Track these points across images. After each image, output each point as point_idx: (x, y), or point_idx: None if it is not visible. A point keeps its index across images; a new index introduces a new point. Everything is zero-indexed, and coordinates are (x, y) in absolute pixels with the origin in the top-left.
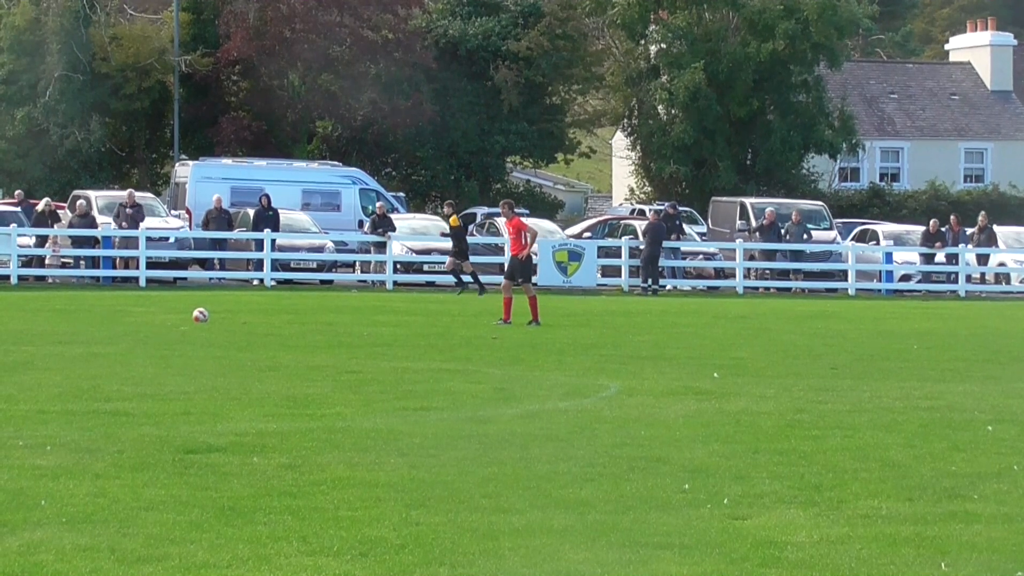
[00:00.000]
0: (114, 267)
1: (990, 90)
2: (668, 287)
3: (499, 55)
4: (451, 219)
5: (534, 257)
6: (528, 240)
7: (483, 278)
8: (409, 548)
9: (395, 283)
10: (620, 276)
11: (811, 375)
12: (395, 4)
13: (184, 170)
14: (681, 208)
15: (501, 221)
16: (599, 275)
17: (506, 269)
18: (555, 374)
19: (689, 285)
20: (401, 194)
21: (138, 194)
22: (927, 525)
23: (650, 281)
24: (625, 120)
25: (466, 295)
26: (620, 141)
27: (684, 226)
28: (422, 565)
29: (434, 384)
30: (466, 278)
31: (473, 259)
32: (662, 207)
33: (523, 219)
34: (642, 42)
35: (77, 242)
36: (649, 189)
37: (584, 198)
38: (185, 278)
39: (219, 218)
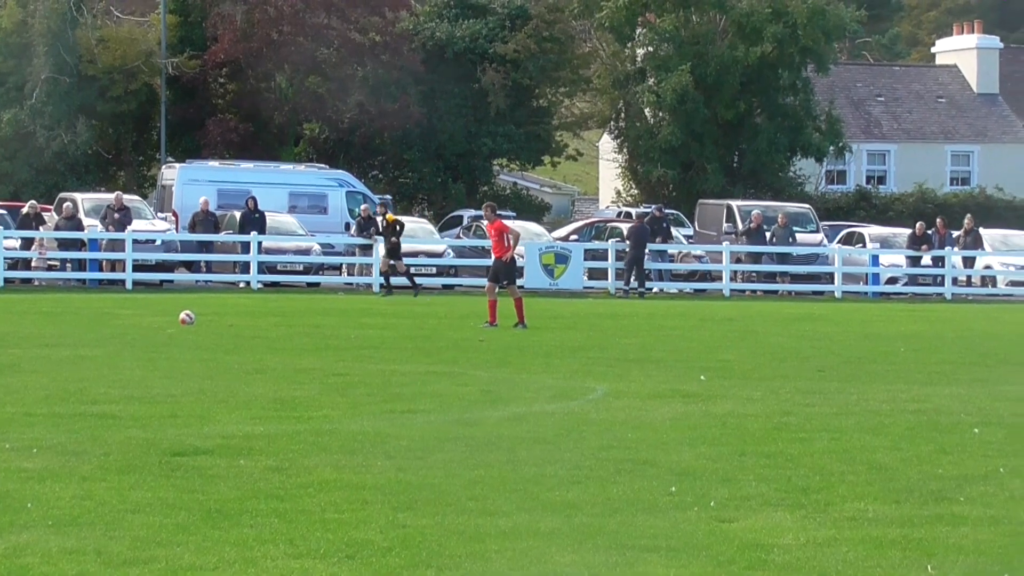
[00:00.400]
0: (100, 270)
1: (976, 93)
2: (655, 289)
3: (486, 57)
4: (386, 216)
5: (520, 259)
6: (511, 242)
7: (470, 280)
8: (396, 551)
9: (381, 285)
10: (607, 279)
11: (798, 378)
12: (383, 6)
13: (171, 172)
14: (668, 211)
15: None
16: (586, 278)
17: (490, 272)
18: (542, 377)
19: (676, 288)
20: (388, 197)
21: (125, 196)
22: (914, 527)
23: (635, 284)
24: (612, 123)
25: (395, 298)
26: (607, 144)
27: (671, 229)
28: (409, 568)
29: (421, 387)
30: (399, 280)
31: (460, 261)
32: (649, 209)
33: (505, 222)
34: (629, 45)
35: (63, 244)
36: (636, 192)
37: (571, 201)
38: (171, 281)
39: (205, 221)
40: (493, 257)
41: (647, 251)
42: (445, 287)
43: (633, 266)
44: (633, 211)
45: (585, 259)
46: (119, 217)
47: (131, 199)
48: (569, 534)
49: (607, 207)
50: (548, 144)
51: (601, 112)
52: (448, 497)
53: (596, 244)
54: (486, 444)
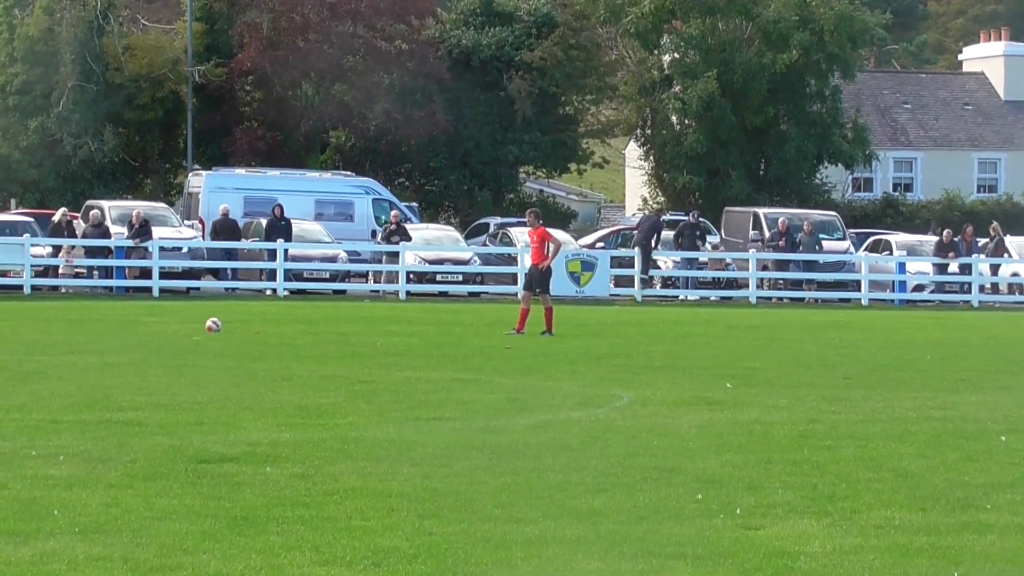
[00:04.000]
0: (126, 277)
1: (1003, 100)
2: (681, 296)
3: (512, 65)
4: None
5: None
6: (551, 251)
7: (497, 288)
8: (422, 558)
9: (408, 293)
10: (633, 286)
11: (824, 385)
12: (409, 14)
13: (197, 180)
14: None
15: (514, 231)
16: (612, 285)
17: (525, 278)
18: (568, 384)
19: (702, 295)
20: (414, 204)
21: (150, 204)
22: (940, 535)
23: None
24: (638, 130)
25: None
26: (633, 151)
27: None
28: (435, 575)
29: (447, 394)
30: None
31: (487, 269)
32: (684, 218)
33: (550, 231)
34: (656, 52)
35: (90, 252)
36: (663, 199)
37: (597, 208)
38: (198, 288)
39: (225, 227)
40: (529, 264)
41: (657, 245)
42: (471, 295)
43: (638, 250)
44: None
45: (612, 266)
46: (139, 229)
47: (157, 207)
48: (595, 541)
49: (633, 214)
50: (574, 152)
51: (627, 119)
52: (474, 505)
53: (623, 251)
54: (512, 452)
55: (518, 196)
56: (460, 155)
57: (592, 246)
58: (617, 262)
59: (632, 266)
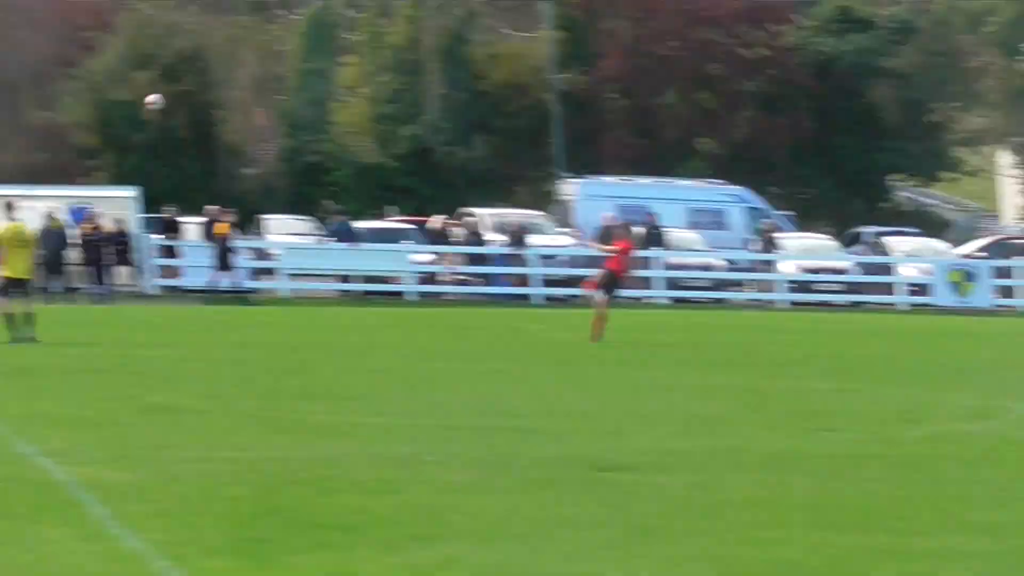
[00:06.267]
0: (504, 284)
1: None
2: None
3: (874, 71)
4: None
5: (927, 277)
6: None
7: (876, 298)
8: (823, 571)
9: (791, 303)
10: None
11: None
12: (766, 21)
13: (569, 188)
14: None
15: (886, 240)
16: (996, 296)
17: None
18: (955, 395)
19: None
20: (791, 213)
21: (526, 212)
22: None
23: None
24: (1012, 138)
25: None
26: (1006, 158)
27: None
28: None
29: (834, 404)
30: None
31: (865, 279)
32: None
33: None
34: (1020, 59)
35: (468, 259)
36: None
37: (975, 218)
38: (577, 295)
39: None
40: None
41: None
42: (853, 304)
43: None
44: None
45: (993, 277)
46: (516, 237)
47: (533, 214)
48: (1000, 557)
49: (1012, 224)
50: (944, 160)
51: (1000, 127)
52: (870, 516)
53: (1006, 262)
54: (905, 463)
55: (892, 204)
56: (828, 163)
57: (971, 256)
58: (1000, 273)
59: (1010, 276)
